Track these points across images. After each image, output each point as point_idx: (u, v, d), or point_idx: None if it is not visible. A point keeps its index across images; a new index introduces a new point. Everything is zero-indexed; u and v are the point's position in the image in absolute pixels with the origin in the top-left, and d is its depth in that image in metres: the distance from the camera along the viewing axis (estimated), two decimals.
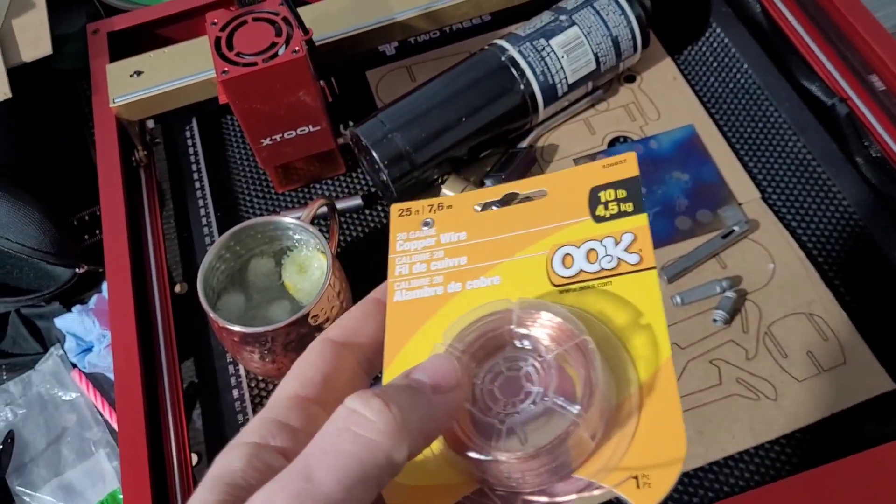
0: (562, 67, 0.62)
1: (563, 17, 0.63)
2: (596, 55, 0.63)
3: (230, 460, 0.23)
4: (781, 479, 0.46)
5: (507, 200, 0.30)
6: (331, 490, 0.20)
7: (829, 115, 0.64)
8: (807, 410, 0.52)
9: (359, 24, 0.66)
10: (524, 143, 0.64)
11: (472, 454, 0.24)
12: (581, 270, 0.27)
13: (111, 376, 0.62)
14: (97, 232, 0.69)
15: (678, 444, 0.23)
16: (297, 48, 0.56)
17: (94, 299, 0.63)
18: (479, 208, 0.30)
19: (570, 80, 0.63)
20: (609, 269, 0.27)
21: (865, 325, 0.54)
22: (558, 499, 0.24)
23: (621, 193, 0.28)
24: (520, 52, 0.61)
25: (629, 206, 0.28)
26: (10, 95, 0.60)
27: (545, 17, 0.63)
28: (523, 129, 0.65)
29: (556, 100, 0.63)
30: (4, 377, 0.63)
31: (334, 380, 0.26)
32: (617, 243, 0.27)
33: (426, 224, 0.30)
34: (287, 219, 0.54)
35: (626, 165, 0.28)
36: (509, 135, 0.64)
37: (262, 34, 0.57)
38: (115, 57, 0.69)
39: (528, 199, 0.30)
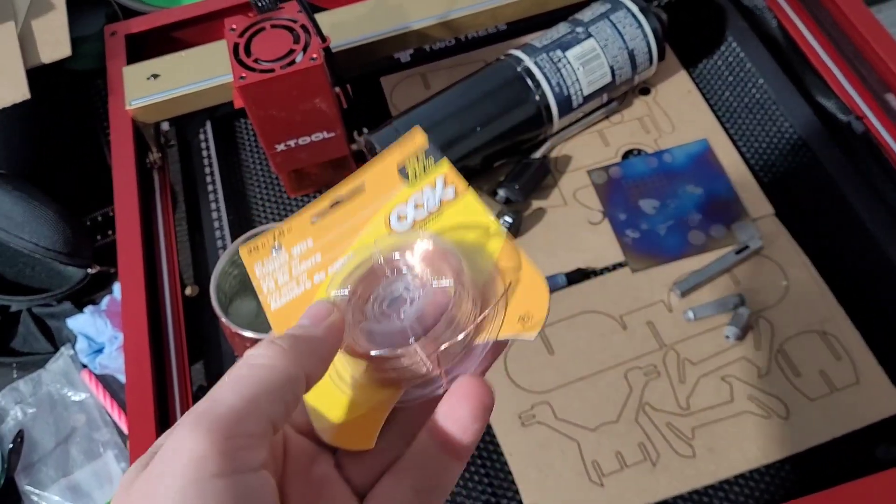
0: (577, 79, 0.62)
1: (579, 30, 0.63)
2: (612, 67, 0.63)
3: None
4: (792, 499, 0.45)
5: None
6: (232, 401, 0.23)
7: (845, 132, 0.64)
8: (818, 430, 0.51)
9: (375, 32, 0.66)
10: (538, 154, 0.64)
11: (388, 353, 0.28)
12: (415, 220, 0.32)
13: (121, 378, 0.62)
14: (110, 232, 0.70)
15: (538, 284, 0.29)
16: (314, 55, 0.56)
17: (105, 300, 0.63)
18: (315, 220, 0.34)
19: (586, 92, 0.63)
20: (436, 209, 0.32)
21: (879, 346, 0.54)
22: (466, 371, 0.28)
23: (421, 157, 0.32)
24: (536, 63, 0.61)
25: (430, 162, 0.32)
26: (28, 96, 0.61)
27: (562, 29, 0.63)
28: (537, 140, 0.65)
29: (570, 111, 0.63)
30: (15, 375, 0.63)
31: None
32: (434, 188, 0.32)
33: (276, 249, 0.33)
34: None
35: (416, 139, 0.33)
36: (523, 145, 0.64)
37: (280, 41, 0.57)
38: (131, 59, 0.69)
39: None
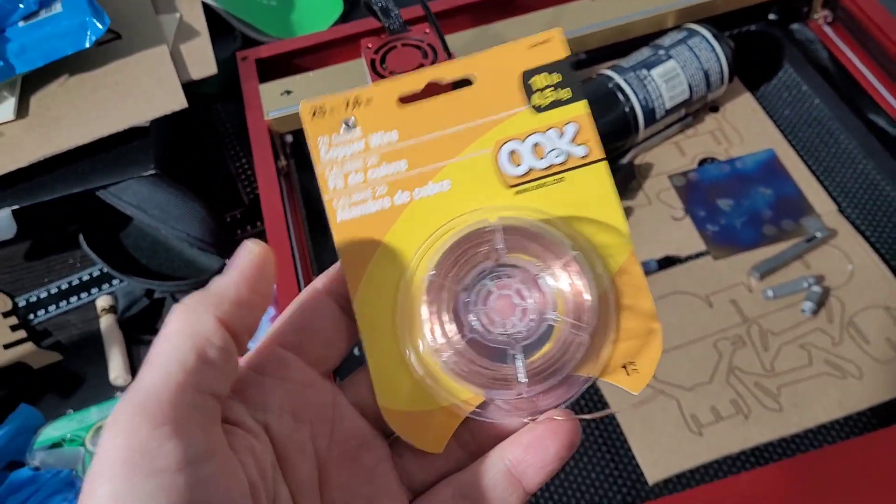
0: (661, 94, 0.71)
1: (661, 52, 0.72)
2: (690, 85, 0.72)
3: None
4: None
5: (430, 91, 0.28)
6: (150, 385, 0.22)
7: (895, 141, 0.72)
8: (888, 387, 0.59)
9: None
10: (624, 160, 0.73)
11: (490, 375, 0.25)
12: (531, 168, 0.27)
13: None
14: (238, 231, 0.78)
15: (654, 330, 0.26)
16: None
17: None
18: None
19: (668, 106, 0.72)
20: (559, 164, 0.27)
21: None
22: (556, 402, 0.26)
23: (555, 78, 0.27)
24: (625, 80, 0.71)
25: (566, 93, 0.27)
26: (186, 105, 0.70)
27: (645, 52, 0.73)
28: (624, 149, 0.74)
29: (654, 122, 0.72)
30: None
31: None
32: (561, 135, 0.27)
33: (347, 124, 0.28)
34: None
35: (553, 45, 0.27)
36: (612, 152, 0.73)
37: (410, 57, 0.66)
38: (261, 80, 0.79)
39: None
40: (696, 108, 0.75)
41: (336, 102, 0.28)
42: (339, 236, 0.27)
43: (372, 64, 0.66)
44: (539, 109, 0.27)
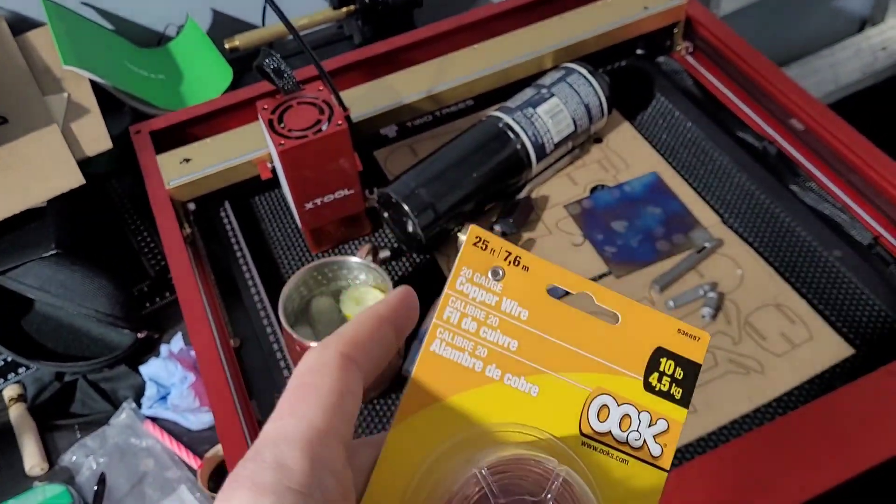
0: (548, 129, 0.75)
1: (543, 91, 0.77)
2: (573, 119, 0.77)
3: None
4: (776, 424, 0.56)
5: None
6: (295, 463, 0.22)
7: (762, 154, 0.79)
8: (788, 378, 0.63)
9: (375, 108, 0.79)
10: (522, 195, 0.77)
11: None
12: (609, 432, 0.27)
13: (183, 422, 0.69)
14: (147, 304, 0.77)
15: None
16: (339, 122, 0.67)
17: (169, 347, 0.71)
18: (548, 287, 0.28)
19: (555, 140, 0.76)
20: (632, 448, 0.27)
21: (821, 308, 0.67)
22: None
23: (679, 373, 0.27)
24: (513, 119, 0.75)
25: (678, 392, 0.27)
26: (83, 182, 0.69)
27: (529, 92, 0.77)
28: (519, 185, 0.77)
29: (545, 156, 0.76)
30: (78, 435, 0.69)
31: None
32: (651, 424, 0.27)
33: (495, 273, 0.28)
34: (354, 259, 0.64)
35: (698, 345, 0.28)
36: (509, 188, 0.76)
37: (307, 114, 0.68)
38: (157, 151, 0.79)
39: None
40: (581, 141, 0.80)
41: (500, 246, 0.28)
42: (423, 363, 0.27)
43: (270, 124, 0.68)
44: (649, 389, 0.27)
